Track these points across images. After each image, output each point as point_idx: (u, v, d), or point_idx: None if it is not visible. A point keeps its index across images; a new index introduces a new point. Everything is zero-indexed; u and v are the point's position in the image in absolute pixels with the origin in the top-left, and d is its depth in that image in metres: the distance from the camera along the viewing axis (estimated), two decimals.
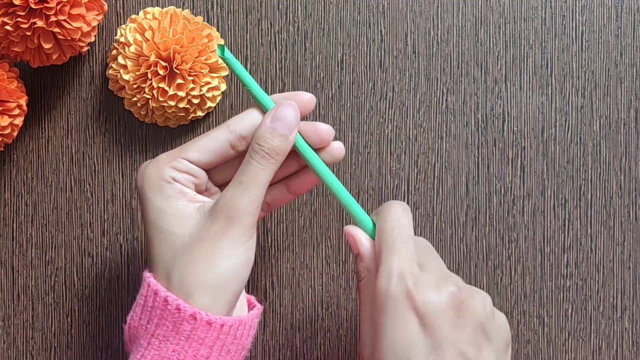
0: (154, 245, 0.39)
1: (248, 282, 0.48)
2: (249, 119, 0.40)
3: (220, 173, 0.42)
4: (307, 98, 0.41)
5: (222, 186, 0.43)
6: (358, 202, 0.48)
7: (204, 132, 0.48)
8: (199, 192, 0.41)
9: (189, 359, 0.37)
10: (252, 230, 0.39)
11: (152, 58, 0.45)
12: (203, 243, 0.38)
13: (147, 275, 0.39)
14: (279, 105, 0.40)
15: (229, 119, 0.48)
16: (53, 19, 0.42)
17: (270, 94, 0.48)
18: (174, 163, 0.39)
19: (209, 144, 0.40)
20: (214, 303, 0.37)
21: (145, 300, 0.38)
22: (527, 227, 0.48)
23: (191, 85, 0.45)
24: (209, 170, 0.41)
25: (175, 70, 0.45)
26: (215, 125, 0.48)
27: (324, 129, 0.41)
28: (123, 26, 0.47)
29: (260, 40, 0.48)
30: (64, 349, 0.49)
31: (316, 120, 0.48)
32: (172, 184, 0.39)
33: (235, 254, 0.38)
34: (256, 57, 0.48)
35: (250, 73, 0.48)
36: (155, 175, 0.39)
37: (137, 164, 0.48)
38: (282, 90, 0.48)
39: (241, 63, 0.48)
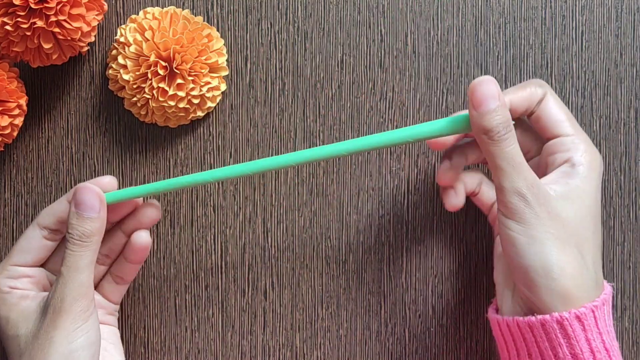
0: (6, 351, 0.41)
1: (248, 282, 0.48)
2: (54, 211, 0.42)
3: (55, 263, 0.43)
4: (107, 181, 0.43)
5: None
6: (358, 203, 0.48)
7: (204, 132, 0.48)
8: (42, 288, 0.43)
9: None
10: (86, 314, 0.39)
11: (152, 58, 0.45)
12: (38, 338, 0.39)
13: None
14: (75, 189, 0.41)
15: (228, 119, 0.48)
16: (53, 19, 0.42)
17: (271, 96, 0.48)
18: (6, 273, 0.42)
19: (25, 246, 0.42)
20: None
21: None
22: None
23: (191, 85, 0.45)
24: (46, 263, 0.43)
25: (175, 70, 0.45)
26: (215, 125, 0.48)
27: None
28: (123, 26, 0.47)
29: (260, 40, 0.48)
30: None
31: (316, 121, 0.48)
32: (11, 292, 0.41)
33: (68, 341, 0.39)
34: (256, 57, 0.48)
35: (250, 73, 0.48)
36: None
37: (137, 164, 0.49)
38: (281, 90, 0.48)
39: (241, 63, 0.48)
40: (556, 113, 0.41)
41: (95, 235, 0.40)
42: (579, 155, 0.40)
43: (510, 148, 0.37)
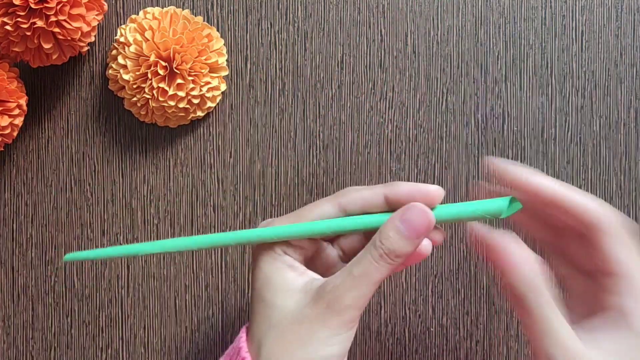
0: (254, 311, 0.38)
1: (248, 282, 0.48)
2: (364, 199, 0.38)
3: (344, 241, 0.41)
4: (434, 190, 0.38)
5: (344, 252, 0.41)
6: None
7: (204, 132, 0.48)
8: (308, 258, 0.40)
9: None
10: (352, 324, 0.37)
11: (152, 58, 0.45)
12: (299, 325, 0.36)
13: (242, 338, 0.38)
14: (411, 206, 0.37)
15: (228, 119, 0.48)
16: (53, 19, 0.42)
17: (271, 96, 0.48)
18: None
19: (318, 219, 0.39)
20: None
21: (229, 355, 0.38)
22: None
23: (191, 85, 0.45)
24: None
25: (175, 70, 0.45)
26: (215, 125, 0.48)
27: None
28: (123, 26, 0.47)
29: (260, 40, 0.48)
30: (64, 349, 0.49)
31: (316, 121, 0.48)
32: (283, 256, 0.38)
33: (328, 343, 0.36)
34: (256, 57, 0.48)
35: (250, 73, 0.48)
36: (267, 246, 0.39)
37: (137, 164, 0.49)
38: (282, 90, 0.48)
39: (241, 63, 0.48)
40: (613, 252, 0.36)
41: (401, 257, 0.37)
42: (630, 303, 0.35)
43: (541, 312, 0.34)
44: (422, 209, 0.37)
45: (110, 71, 0.47)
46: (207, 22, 0.48)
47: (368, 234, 0.39)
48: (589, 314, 0.37)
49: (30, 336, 0.49)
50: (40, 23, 0.42)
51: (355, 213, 0.38)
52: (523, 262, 0.35)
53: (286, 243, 0.38)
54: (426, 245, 0.38)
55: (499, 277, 0.36)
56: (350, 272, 0.36)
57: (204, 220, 0.48)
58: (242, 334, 0.39)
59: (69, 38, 0.44)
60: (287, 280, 0.38)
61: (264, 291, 0.38)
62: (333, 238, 0.41)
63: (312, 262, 0.41)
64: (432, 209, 0.37)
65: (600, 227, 0.36)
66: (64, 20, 0.43)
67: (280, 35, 0.48)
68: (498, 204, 0.36)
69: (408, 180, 0.48)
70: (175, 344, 0.49)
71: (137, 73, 0.45)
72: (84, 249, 0.49)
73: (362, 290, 0.36)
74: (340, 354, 0.37)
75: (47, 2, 0.42)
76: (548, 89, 0.48)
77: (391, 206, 0.38)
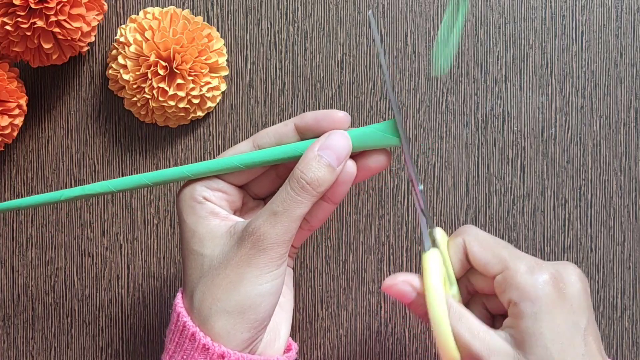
0: (184, 264, 0.39)
1: None
2: (277, 134, 0.39)
3: (256, 185, 0.41)
4: (341, 116, 0.38)
5: (263, 199, 0.42)
6: (358, 203, 0.48)
7: (204, 132, 0.48)
8: (234, 209, 0.40)
9: None
10: (281, 260, 0.37)
11: (152, 58, 0.45)
12: (227, 267, 0.37)
13: (178, 295, 0.39)
14: (330, 133, 0.37)
15: (228, 119, 0.48)
16: (53, 19, 0.42)
17: (271, 96, 0.48)
18: (205, 181, 0.39)
19: None
20: (231, 331, 0.36)
21: (171, 319, 0.38)
22: (527, 227, 0.48)
23: (191, 85, 0.45)
24: (247, 184, 0.40)
25: (175, 70, 0.45)
26: (215, 125, 0.48)
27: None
28: (123, 26, 0.47)
29: (260, 40, 0.48)
30: (64, 349, 0.49)
31: None
32: (204, 203, 0.38)
33: (257, 282, 0.36)
34: (256, 57, 0.48)
35: (250, 73, 0.48)
36: (188, 196, 0.39)
37: (137, 164, 0.49)
38: (282, 90, 0.48)
39: (241, 63, 0.48)
40: (480, 257, 0.38)
41: (323, 187, 0.37)
42: (515, 294, 0.36)
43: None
44: (342, 134, 0.37)
45: (110, 71, 0.47)
46: (207, 22, 0.48)
47: (280, 174, 0.40)
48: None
49: (30, 336, 0.49)
50: (40, 23, 0.42)
51: (271, 146, 0.39)
52: (418, 294, 0.38)
53: (206, 188, 0.39)
54: (350, 168, 0.38)
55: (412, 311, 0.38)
56: (272, 211, 0.36)
57: None
58: (179, 293, 0.39)
59: (69, 38, 0.44)
60: (211, 227, 0.38)
61: (191, 243, 0.38)
62: (260, 196, 0.41)
63: (244, 215, 0.41)
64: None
65: (466, 245, 0.39)
66: (64, 20, 0.43)
67: (280, 35, 0.48)
68: (389, 123, 0.38)
69: (408, 183, 0.48)
70: None
71: (137, 73, 0.45)
72: (84, 249, 0.49)
73: (285, 226, 0.36)
74: (272, 291, 0.37)
75: (47, 2, 0.42)
76: (548, 89, 0.48)
77: (302, 135, 0.38)
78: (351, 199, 0.48)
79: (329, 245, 0.48)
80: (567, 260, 0.48)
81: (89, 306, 0.49)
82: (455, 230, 0.48)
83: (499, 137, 0.48)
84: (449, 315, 0.36)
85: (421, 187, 0.39)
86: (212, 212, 0.38)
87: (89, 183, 0.49)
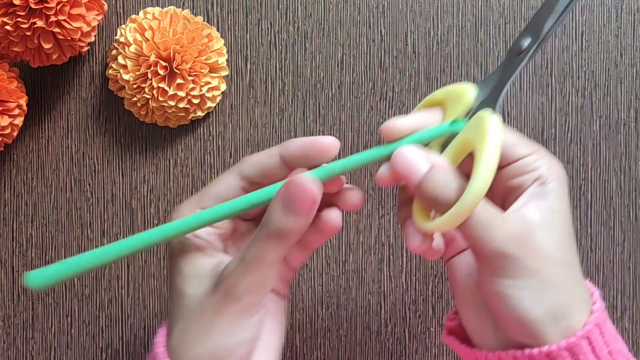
0: (169, 302, 0.37)
1: None
2: (262, 164, 0.37)
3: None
4: (329, 143, 0.36)
5: (256, 219, 0.39)
6: None
7: (204, 132, 0.48)
8: (225, 239, 0.38)
9: None
10: (256, 309, 0.35)
11: (152, 58, 0.45)
12: (203, 313, 0.35)
13: (160, 333, 0.37)
14: (290, 181, 0.34)
15: (228, 119, 0.48)
16: (53, 19, 0.42)
17: (271, 96, 0.48)
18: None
19: (222, 193, 0.37)
20: None
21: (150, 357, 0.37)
22: None
23: (191, 85, 0.45)
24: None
25: (175, 70, 0.45)
26: (215, 125, 0.48)
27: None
28: (123, 26, 0.47)
29: (260, 40, 0.48)
30: (64, 349, 0.49)
31: (316, 121, 0.48)
32: (191, 240, 0.37)
33: (229, 333, 0.34)
34: (256, 57, 0.48)
35: (250, 73, 0.48)
36: None
37: (137, 164, 0.48)
38: (282, 90, 0.48)
39: (241, 63, 0.48)
40: (505, 138, 0.36)
41: (295, 235, 0.34)
42: (546, 171, 0.36)
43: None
44: (298, 184, 0.34)
45: (110, 71, 0.47)
46: (207, 22, 0.48)
47: None
48: (509, 198, 0.37)
49: (30, 336, 0.49)
50: (40, 23, 0.42)
51: (257, 179, 0.37)
52: (435, 165, 0.34)
53: None
54: (333, 217, 0.36)
55: (418, 194, 0.34)
56: (242, 257, 0.35)
57: None
58: (163, 328, 0.38)
59: (69, 38, 0.44)
60: (195, 266, 0.36)
61: (176, 280, 0.37)
62: (252, 217, 0.39)
63: (235, 244, 0.39)
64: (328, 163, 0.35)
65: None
66: (64, 20, 0.43)
67: (280, 35, 0.48)
68: (393, 146, 0.35)
69: None
70: None
71: (137, 73, 0.45)
72: (84, 249, 0.49)
73: (257, 275, 0.34)
74: (244, 341, 0.35)
75: (47, 2, 0.42)
76: (548, 89, 0.48)
77: (289, 164, 0.36)
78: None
79: (329, 245, 0.48)
80: None
81: (89, 306, 0.49)
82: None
83: None
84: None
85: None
86: (199, 248, 0.37)
87: (89, 183, 0.49)
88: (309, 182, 0.34)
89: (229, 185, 0.37)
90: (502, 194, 0.37)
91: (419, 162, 0.34)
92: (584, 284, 0.36)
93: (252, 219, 0.39)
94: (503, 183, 0.37)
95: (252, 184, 0.37)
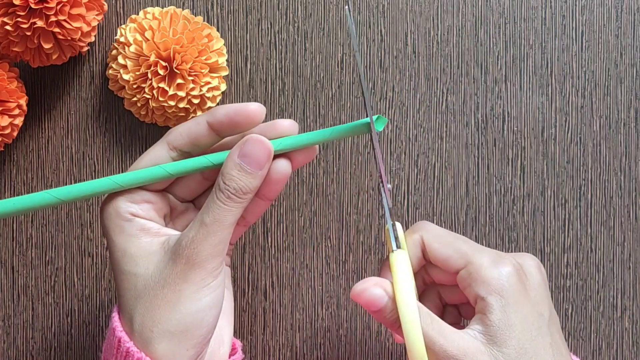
0: (118, 285, 0.37)
1: (248, 282, 0.48)
2: (189, 132, 0.37)
3: (182, 189, 0.39)
4: (253, 109, 0.37)
5: (191, 201, 0.40)
6: (358, 203, 0.48)
7: None
8: (164, 216, 0.39)
9: None
10: (218, 271, 0.36)
11: (152, 58, 0.45)
12: (163, 286, 0.35)
13: (114, 317, 0.37)
14: (247, 138, 0.36)
15: None
16: (53, 19, 0.42)
17: (271, 96, 0.48)
18: (127, 195, 0.37)
19: (153, 164, 0.37)
20: (176, 351, 0.35)
21: (111, 343, 0.37)
22: (527, 227, 0.48)
23: (191, 85, 0.45)
24: (171, 188, 0.39)
25: (175, 70, 0.45)
26: None
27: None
28: (123, 26, 0.47)
29: (260, 40, 0.48)
30: (64, 349, 0.49)
31: (316, 121, 0.48)
32: (132, 220, 0.37)
33: (196, 298, 0.35)
34: (256, 57, 0.48)
35: (250, 73, 0.48)
36: (113, 214, 0.37)
37: None
38: (282, 90, 0.48)
39: (241, 63, 0.48)
40: (441, 253, 0.38)
41: (250, 193, 0.36)
42: (481, 287, 0.36)
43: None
44: (257, 139, 0.36)
45: (110, 71, 0.47)
46: (207, 22, 0.48)
47: (206, 175, 0.39)
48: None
49: (30, 336, 0.49)
50: (40, 23, 0.42)
51: (186, 148, 0.37)
52: (377, 296, 0.36)
53: (131, 203, 0.37)
54: (283, 167, 0.37)
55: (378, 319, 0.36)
56: (202, 222, 0.35)
57: None
58: (114, 313, 0.38)
59: (69, 38, 0.44)
60: (142, 246, 0.37)
61: (122, 264, 0.37)
62: (188, 199, 0.40)
63: (173, 224, 0.40)
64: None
65: (424, 242, 0.39)
66: (64, 20, 0.43)
67: (280, 35, 0.48)
68: (360, 123, 0.37)
69: (408, 181, 0.48)
70: None
71: (137, 73, 0.45)
72: (84, 249, 0.49)
73: (217, 237, 0.35)
74: (213, 303, 0.36)
75: (47, 2, 0.42)
76: (548, 89, 0.48)
77: (218, 133, 0.37)
78: (351, 199, 0.48)
79: (329, 245, 0.48)
80: (567, 260, 0.48)
81: (89, 306, 0.49)
82: (456, 230, 0.48)
83: (499, 137, 0.48)
84: (423, 321, 0.35)
85: (389, 186, 0.38)
86: (142, 228, 0.37)
87: None
88: (263, 138, 0.36)
89: (159, 156, 0.37)
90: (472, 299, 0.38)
91: (378, 297, 0.36)
92: None
93: (187, 201, 0.40)
94: (464, 292, 0.38)
95: (182, 154, 0.38)
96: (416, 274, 0.40)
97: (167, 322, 0.35)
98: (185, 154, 0.38)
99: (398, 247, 0.38)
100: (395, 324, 0.36)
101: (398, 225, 0.39)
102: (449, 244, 0.38)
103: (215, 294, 0.36)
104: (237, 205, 0.36)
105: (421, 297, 0.41)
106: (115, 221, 0.37)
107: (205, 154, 0.38)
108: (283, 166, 0.38)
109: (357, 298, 0.36)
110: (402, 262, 0.37)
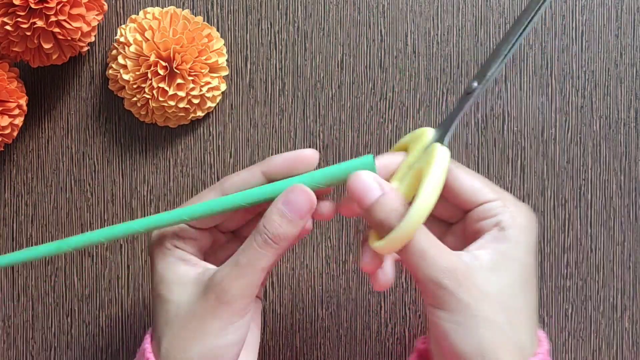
0: (154, 310, 0.39)
1: None
2: (244, 182, 0.38)
3: (227, 221, 0.40)
4: (309, 153, 0.38)
5: (234, 231, 0.41)
6: None
7: (204, 132, 0.48)
8: (204, 250, 0.40)
9: None
10: (245, 311, 0.37)
11: (152, 58, 0.45)
12: (193, 318, 0.37)
13: (147, 339, 0.39)
14: (292, 187, 0.37)
15: (228, 119, 0.48)
16: (53, 19, 0.42)
17: (271, 96, 0.48)
18: (176, 229, 0.39)
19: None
20: None
21: (137, 357, 0.39)
22: None
23: (191, 85, 0.45)
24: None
25: (175, 70, 0.45)
26: (215, 125, 0.48)
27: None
28: (123, 26, 0.47)
29: (260, 40, 0.48)
30: (64, 349, 0.49)
31: (316, 121, 0.48)
32: (173, 250, 0.38)
33: (221, 335, 0.36)
34: (256, 57, 0.48)
35: (250, 73, 0.48)
36: (158, 242, 0.39)
37: (137, 164, 0.48)
38: (282, 90, 0.48)
39: (241, 63, 0.48)
40: (470, 183, 0.38)
41: (287, 242, 0.37)
42: (508, 217, 0.37)
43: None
44: (302, 189, 0.37)
45: (110, 71, 0.47)
46: (207, 22, 0.48)
47: (249, 209, 0.39)
48: (470, 240, 0.37)
49: (30, 336, 0.49)
50: (40, 23, 0.42)
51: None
52: (385, 192, 0.35)
53: (176, 236, 0.39)
54: (309, 222, 0.38)
55: (366, 218, 0.36)
56: (236, 262, 0.36)
57: None
58: (148, 335, 0.39)
59: (69, 38, 0.44)
60: (179, 274, 0.38)
61: (159, 288, 0.38)
62: (231, 230, 0.41)
63: (214, 255, 0.41)
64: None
65: (452, 171, 0.38)
66: (64, 20, 0.43)
67: (280, 35, 0.48)
68: (364, 160, 0.37)
69: None
70: None
71: (137, 73, 0.45)
72: (84, 249, 0.49)
73: (249, 279, 0.36)
74: (236, 341, 0.37)
75: (47, 2, 0.42)
76: (548, 89, 0.48)
77: (270, 179, 0.38)
78: None
79: (329, 245, 0.48)
80: (567, 260, 0.48)
81: (89, 306, 0.49)
82: None
83: (499, 137, 0.48)
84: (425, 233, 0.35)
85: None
86: (182, 258, 0.38)
87: (89, 183, 0.49)
88: (308, 189, 0.37)
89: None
90: (465, 237, 0.38)
91: (371, 187, 0.36)
92: (532, 332, 0.36)
93: (229, 232, 0.41)
94: (466, 227, 0.38)
95: None
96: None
97: (190, 352, 0.36)
98: None
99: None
100: (383, 223, 0.35)
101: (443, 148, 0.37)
102: (478, 178, 0.38)
103: (240, 332, 0.37)
104: (272, 251, 0.36)
105: None
106: (160, 248, 0.39)
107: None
108: (327, 206, 0.38)
109: (352, 181, 0.36)
110: (443, 159, 0.35)
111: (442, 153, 0.35)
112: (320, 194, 0.38)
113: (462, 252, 0.36)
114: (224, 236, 0.41)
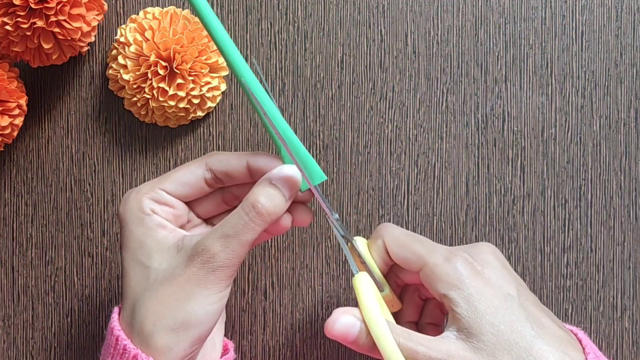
0: (127, 275, 0.39)
1: (248, 282, 0.48)
2: (229, 162, 0.39)
3: (201, 206, 0.42)
4: (291, 177, 0.39)
5: (205, 220, 0.43)
6: (358, 203, 0.48)
7: (204, 132, 0.48)
8: (180, 225, 0.40)
9: None
10: (229, 282, 0.37)
11: (152, 58, 0.45)
12: (173, 283, 0.37)
13: (114, 317, 0.39)
14: (284, 166, 0.38)
15: (228, 119, 0.48)
16: (53, 19, 0.42)
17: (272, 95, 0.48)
18: (152, 194, 0.39)
19: (185, 177, 0.40)
20: (173, 347, 0.36)
21: (109, 341, 0.38)
22: (527, 227, 0.48)
23: (191, 85, 0.45)
24: (190, 202, 0.41)
25: (175, 70, 0.45)
26: (215, 125, 0.48)
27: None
28: (123, 26, 0.47)
29: (260, 40, 0.48)
30: (64, 349, 0.49)
31: (316, 121, 0.48)
32: (151, 216, 0.39)
33: (205, 302, 0.37)
34: (256, 57, 0.48)
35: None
36: (135, 207, 0.39)
37: (137, 164, 0.49)
38: (282, 90, 0.48)
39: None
40: (397, 257, 0.39)
41: (275, 217, 0.37)
42: (440, 284, 0.37)
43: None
44: (291, 167, 0.38)
45: (110, 71, 0.47)
46: None
47: (226, 199, 0.41)
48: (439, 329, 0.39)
49: (30, 336, 0.49)
50: (40, 23, 0.42)
51: (220, 175, 0.40)
52: (347, 324, 0.36)
53: (154, 201, 0.39)
54: (286, 219, 0.39)
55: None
56: (224, 234, 0.37)
57: None
58: (114, 314, 0.39)
59: (69, 38, 0.44)
60: (159, 239, 0.38)
61: (137, 254, 0.38)
62: (204, 218, 0.42)
63: (190, 231, 0.41)
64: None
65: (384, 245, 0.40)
66: (64, 20, 0.43)
67: (280, 35, 0.48)
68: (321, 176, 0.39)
69: (408, 180, 0.48)
70: None
71: (137, 73, 0.45)
72: (84, 249, 0.49)
73: (236, 251, 0.37)
74: (217, 311, 0.37)
75: (47, 2, 0.42)
76: (548, 89, 0.48)
77: (253, 175, 0.39)
78: (351, 198, 0.48)
79: (329, 245, 0.48)
80: (567, 260, 0.48)
81: (89, 306, 0.49)
82: (456, 230, 0.48)
83: (499, 137, 0.48)
84: (397, 336, 0.36)
85: (336, 215, 0.40)
86: (160, 224, 0.39)
87: (89, 183, 0.49)
88: (297, 172, 0.38)
89: (193, 173, 0.40)
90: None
91: (349, 330, 0.36)
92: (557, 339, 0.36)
93: (203, 219, 0.42)
94: (430, 292, 0.39)
95: (214, 178, 0.40)
96: (389, 276, 0.41)
97: (171, 318, 0.36)
98: (216, 180, 0.40)
99: (359, 270, 0.39)
100: (375, 348, 0.36)
101: (360, 239, 0.41)
102: (405, 247, 0.39)
103: (222, 302, 0.37)
104: (260, 224, 0.37)
105: (402, 295, 0.42)
106: (136, 213, 0.39)
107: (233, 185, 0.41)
108: (286, 222, 0.39)
109: (330, 332, 0.36)
110: (364, 285, 0.37)
111: (362, 286, 0.37)
112: (301, 202, 0.40)
113: (444, 335, 0.37)
114: (197, 220, 0.42)
